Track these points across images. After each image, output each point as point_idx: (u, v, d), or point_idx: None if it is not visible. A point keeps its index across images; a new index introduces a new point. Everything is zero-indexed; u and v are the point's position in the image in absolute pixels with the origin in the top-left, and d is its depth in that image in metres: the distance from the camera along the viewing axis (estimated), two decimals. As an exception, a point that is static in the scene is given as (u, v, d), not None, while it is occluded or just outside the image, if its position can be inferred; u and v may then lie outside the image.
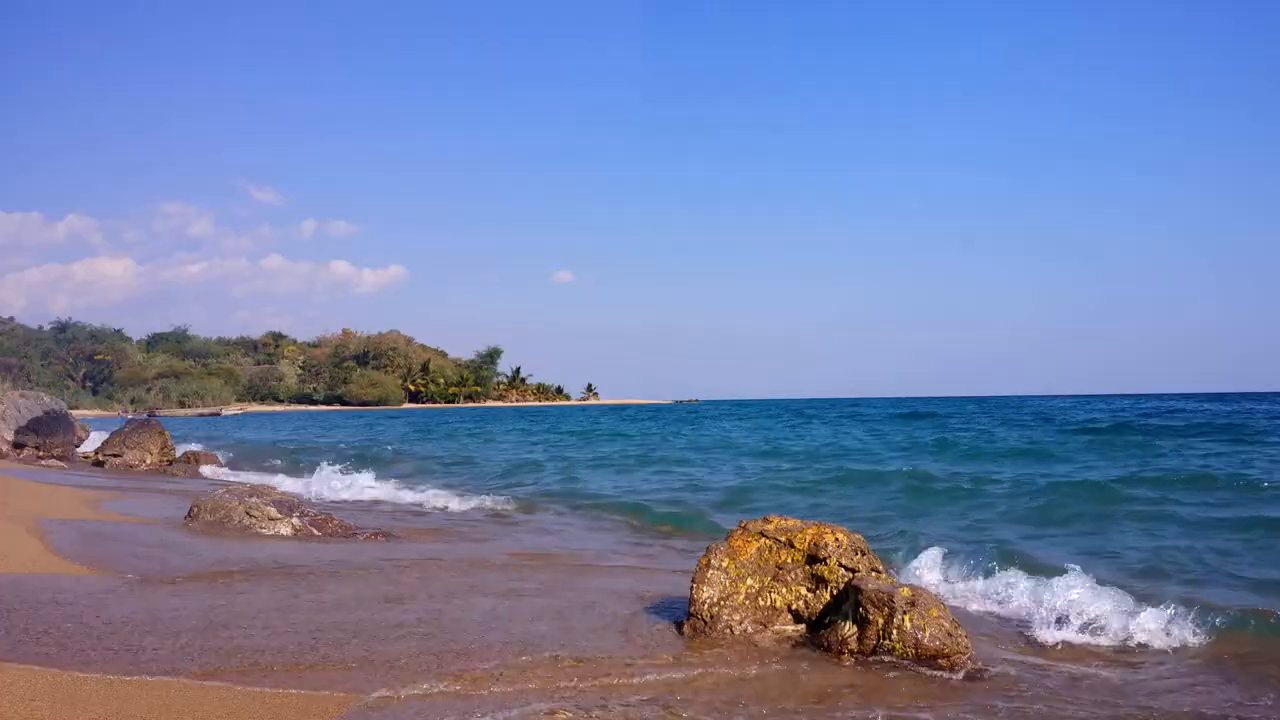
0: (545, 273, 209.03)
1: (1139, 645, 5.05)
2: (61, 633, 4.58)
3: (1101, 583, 5.84)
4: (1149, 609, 5.35)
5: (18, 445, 20.01)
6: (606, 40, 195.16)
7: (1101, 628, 5.27)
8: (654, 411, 78.73)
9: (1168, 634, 5.11)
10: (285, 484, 14.42)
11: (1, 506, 9.26)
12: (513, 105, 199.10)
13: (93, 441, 22.92)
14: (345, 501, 13.22)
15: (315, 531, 9.07)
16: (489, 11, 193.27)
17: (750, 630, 5.24)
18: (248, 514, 9.18)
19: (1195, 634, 5.12)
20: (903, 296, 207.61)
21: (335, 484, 14.80)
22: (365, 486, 14.71)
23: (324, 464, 16.18)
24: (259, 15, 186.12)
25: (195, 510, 9.39)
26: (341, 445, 28.21)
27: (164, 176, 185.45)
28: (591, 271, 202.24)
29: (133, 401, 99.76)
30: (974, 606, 6.12)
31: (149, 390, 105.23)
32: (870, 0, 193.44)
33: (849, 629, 4.96)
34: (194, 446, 23.29)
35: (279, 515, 9.19)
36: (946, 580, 6.68)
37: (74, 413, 26.49)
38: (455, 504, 12.88)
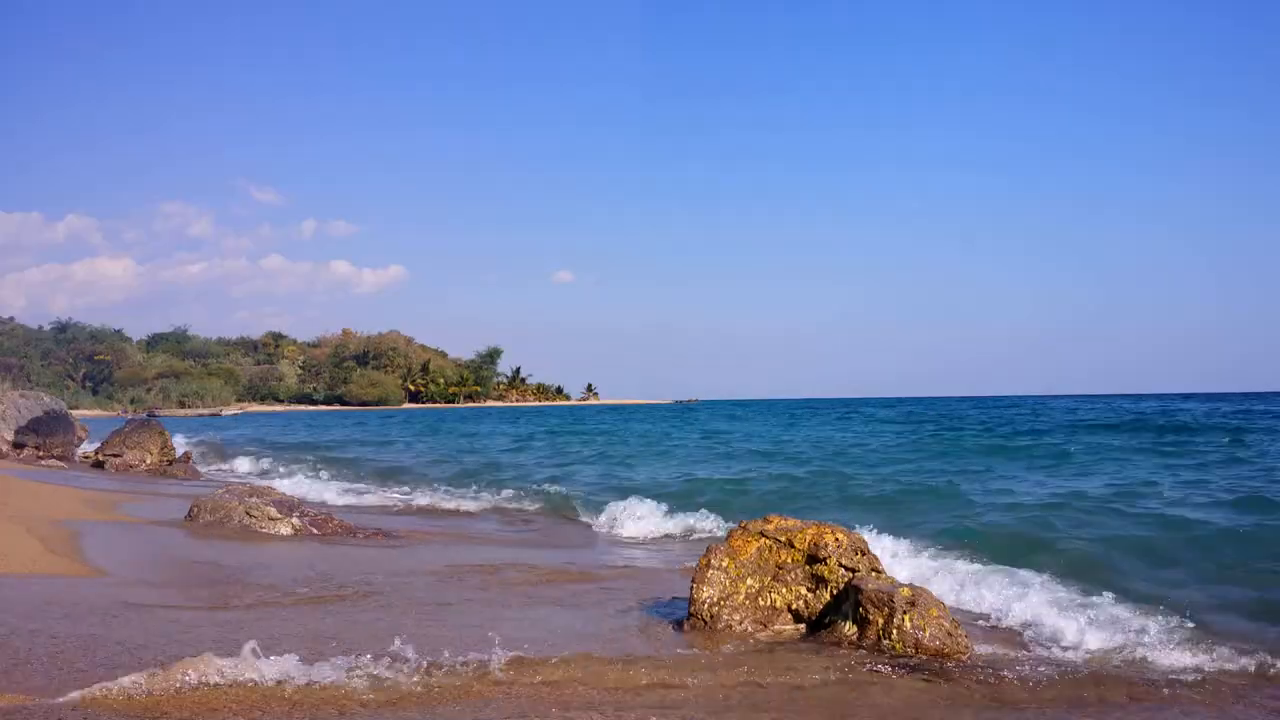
0: (545, 273, 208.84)
1: (1128, 646, 5.03)
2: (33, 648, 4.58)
3: (1084, 588, 5.84)
4: (1132, 614, 5.35)
5: (18, 445, 20.02)
6: (606, 40, 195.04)
7: (1081, 629, 5.26)
8: (649, 411, 78.61)
9: (1159, 637, 5.10)
10: (283, 485, 14.42)
11: (1, 507, 9.25)
12: (513, 105, 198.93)
13: (93, 442, 22.92)
14: (350, 505, 13.22)
15: (315, 531, 9.07)
16: (489, 11, 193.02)
17: (750, 630, 5.24)
18: (248, 514, 9.18)
19: (1187, 638, 5.11)
20: (903, 296, 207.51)
21: (330, 482, 14.80)
22: (364, 489, 14.74)
23: (303, 466, 16.16)
24: (259, 15, 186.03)
25: (195, 511, 9.38)
26: (335, 443, 28.21)
27: (164, 176, 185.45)
28: (592, 271, 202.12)
29: (132, 401, 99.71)
30: (950, 602, 6.13)
31: (149, 390, 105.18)
32: (870, 0, 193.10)
33: (849, 629, 4.96)
34: (190, 446, 23.29)
35: (279, 515, 9.18)
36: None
37: (74, 413, 26.49)
38: (449, 503, 12.91)
